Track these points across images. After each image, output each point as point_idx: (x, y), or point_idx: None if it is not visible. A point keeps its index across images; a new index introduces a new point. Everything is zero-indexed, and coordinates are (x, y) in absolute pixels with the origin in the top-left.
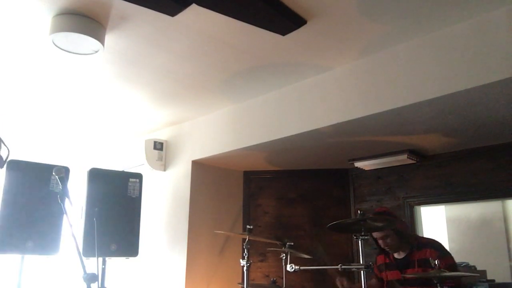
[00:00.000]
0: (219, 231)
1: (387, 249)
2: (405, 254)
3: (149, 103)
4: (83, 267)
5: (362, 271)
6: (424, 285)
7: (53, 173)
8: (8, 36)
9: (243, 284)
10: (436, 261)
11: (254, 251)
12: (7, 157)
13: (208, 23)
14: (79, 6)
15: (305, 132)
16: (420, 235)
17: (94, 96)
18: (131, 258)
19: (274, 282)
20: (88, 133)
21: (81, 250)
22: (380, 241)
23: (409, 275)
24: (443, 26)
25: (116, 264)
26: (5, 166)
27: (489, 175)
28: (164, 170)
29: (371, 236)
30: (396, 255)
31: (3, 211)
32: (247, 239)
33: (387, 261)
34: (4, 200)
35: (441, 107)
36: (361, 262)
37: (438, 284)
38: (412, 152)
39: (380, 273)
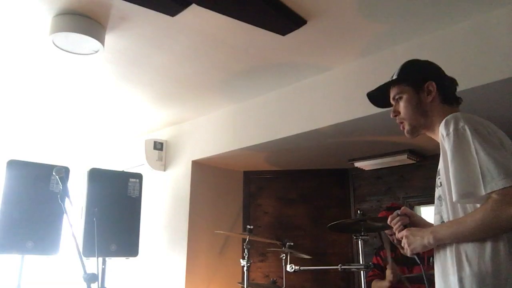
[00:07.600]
0: (219, 231)
1: (400, 246)
2: None
3: (149, 103)
4: (83, 267)
5: (362, 271)
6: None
7: (53, 173)
8: (8, 36)
9: (243, 284)
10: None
11: (254, 251)
12: None
13: (208, 23)
14: (79, 6)
15: (305, 132)
16: None
17: (94, 96)
18: (131, 258)
19: (274, 282)
20: (88, 133)
21: (81, 250)
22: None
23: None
24: (443, 26)
25: (116, 264)
26: (5, 166)
27: None
28: (164, 170)
29: (379, 233)
30: (402, 251)
31: (3, 211)
32: (247, 239)
33: (393, 255)
34: (4, 200)
35: None
36: (361, 262)
37: None
38: (412, 152)
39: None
